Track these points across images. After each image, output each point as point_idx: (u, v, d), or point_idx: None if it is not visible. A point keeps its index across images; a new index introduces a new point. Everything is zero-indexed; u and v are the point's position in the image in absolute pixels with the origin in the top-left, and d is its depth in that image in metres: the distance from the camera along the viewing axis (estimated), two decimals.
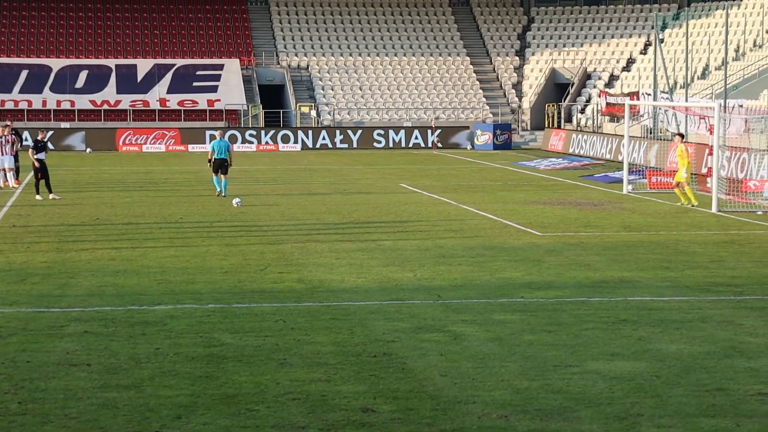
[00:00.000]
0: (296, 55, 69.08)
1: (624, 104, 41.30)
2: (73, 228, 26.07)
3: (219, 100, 63.52)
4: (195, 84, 64.81)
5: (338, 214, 29.11)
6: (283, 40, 70.31)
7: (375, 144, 60.94)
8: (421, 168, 46.71)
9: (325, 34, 71.14)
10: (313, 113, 63.89)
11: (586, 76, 66.58)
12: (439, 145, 61.00)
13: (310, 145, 60.36)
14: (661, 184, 35.62)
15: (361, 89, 66.87)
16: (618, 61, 66.48)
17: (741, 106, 44.54)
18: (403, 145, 61.05)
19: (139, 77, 64.92)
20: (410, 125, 62.70)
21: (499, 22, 72.79)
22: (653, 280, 18.91)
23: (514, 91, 67.54)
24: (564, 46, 69.27)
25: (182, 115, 62.73)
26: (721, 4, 61.46)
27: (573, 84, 65.59)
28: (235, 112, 63.37)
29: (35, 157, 33.06)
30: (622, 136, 42.90)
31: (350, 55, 69.46)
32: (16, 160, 37.60)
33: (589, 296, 17.44)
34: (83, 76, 64.58)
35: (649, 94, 53.25)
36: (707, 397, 11.58)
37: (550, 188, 37.06)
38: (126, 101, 63.02)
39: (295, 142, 60.17)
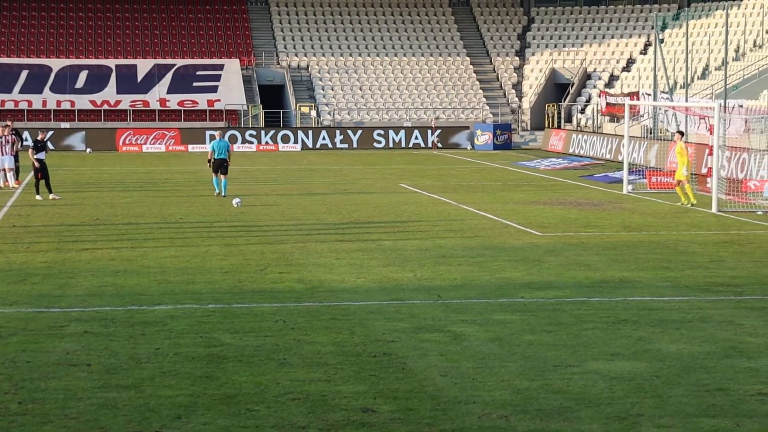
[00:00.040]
0: (296, 55, 69.09)
1: (624, 104, 41.30)
2: (73, 228, 26.07)
3: (219, 100, 63.52)
4: (195, 84, 64.82)
5: (338, 214, 29.11)
6: (283, 40, 70.31)
7: (375, 144, 60.95)
8: (421, 168, 46.71)
9: (325, 34, 71.14)
10: (313, 113, 63.89)
11: (586, 76, 66.58)
12: (439, 145, 61.01)
13: (310, 145, 60.37)
14: (661, 184, 35.62)
15: (361, 89, 66.87)
16: (618, 61, 66.48)
17: (741, 106, 44.54)
18: (403, 145, 61.05)
19: (139, 77, 64.92)
20: (410, 125, 62.71)
21: (499, 22, 72.79)
22: (653, 280, 18.91)
23: (514, 91, 67.54)
24: (564, 46, 69.27)
25: (182, 115, 62.73)
26: (721, 5, 61.46)
27: (573, 84, 65.59)
28: (235, 112, 63.37)
29: (35, 157, 33.06)
30: (622, 136, 42.91)
31: (350, 55, 69.46)
32: (17, 160, 37.61)
33: (589, 296, 17.44)
34: (83, 76, 64.59)
35: (649, 94, 53.25)
36: (707, 397, 11.58)
37: (550, 188, 37.06)
38: (126, 101, 63.02)
39: (295, 142, 60.17)
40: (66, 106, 62.49)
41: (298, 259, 21.11)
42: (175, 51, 68.45)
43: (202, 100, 63.53)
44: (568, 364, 12.98)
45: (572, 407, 11.22)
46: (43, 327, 15.06)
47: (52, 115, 61.87)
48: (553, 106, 63.83)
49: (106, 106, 62.68)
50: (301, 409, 11.15)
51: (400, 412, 11.06)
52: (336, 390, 11.85)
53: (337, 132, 61.14)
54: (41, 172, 32.95)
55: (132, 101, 63.08)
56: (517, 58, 69.82)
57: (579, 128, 60.92)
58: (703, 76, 56.97)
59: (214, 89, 64.42)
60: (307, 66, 68.39)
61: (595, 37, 69.41)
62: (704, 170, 38.87)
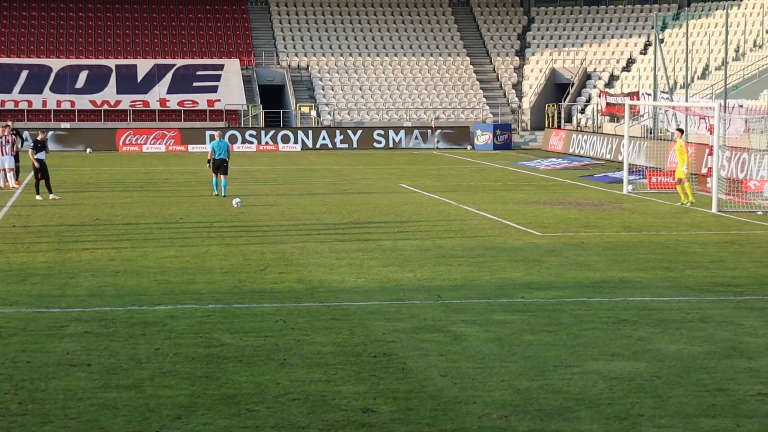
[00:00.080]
0: (296, 55, 69.09)
1: (624, 104, 41.30)
2: (73, 228, 26.07)
3: (219, 101, 63.53)
4: (195, 84, 64.83)
5: (338, 214, 29.11)
6: (283, 40, 70.32)
7: (375, 144, 60.95)
8: (421, 168, 46.71)
9: (325, 34, 71.15)
10: (313, 113, 63.90)
11: (586, 76, 66.59)
12: (439, 145, 60.99)
13: (310, 146, 60.37)
14: (661, 185, 35.63)
15: (361, 89, 66.87)
16: (618, 61, 66.49)
17: (741, 106, 44.54)
18: (403, 145, 61.04)
19: (139, 77, 64.93)
20: (410, 125, 62.71)
21: (499, 22, 72.79)
22: (653, 281, 18.91)
23: (514, 91, 67.55)
24: (564, 46, 69.27)
25: (182, 116, 62.74)
26: (721, 4, 61.46)
27: (573, 84, 65.59)
28: (235, 112, 63.38)
29: (35, 157, 33.07)
30: (622, 136, 42.91)
31: (350, 55, 69.47)
32: (17, 160, 37.62)
33: (589, 296, 17.44)
34: (83, 76, 64.59)
35: (649, 94, 53.25)
36: (707, 398, 11.58)
37: (550, 188, 37.06)
38: (126, 101, 63.03)
39: (295, 142, 60.18)
40: (66, 106, 62.49)
41: (298, 260, 21.11)
42: (175, 51, 68.45)
43: (202, 100, 63.54)
44: (568, 365, 12.97)
45: (572, 407, 11.22)
46: (43, 327, 15.06)
47: (52, 116, 61.87)
48: (553, 106, 63.83)
49: (106, 107, 62.68)
50: (301, 410, 11.15)
51: (400, 413, 11.06)
52: (336, 390, 11.85)
53: (337, 132, 61.15)
54: (41, 172, 32.95)
55: (132, 101, 63.09)
56: (517, 58, 69.83)
57: (579, 128, 60.92)
58: (703, 76, 56.97)
59: (214, 89, 64.43)
60: (307, 66, 68.39)
61: (595, 37, 69.41)
62: (704, 170, 38.87)
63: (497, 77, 69.00)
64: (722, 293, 17.77)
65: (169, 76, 65.07)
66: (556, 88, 66.35)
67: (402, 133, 61.34)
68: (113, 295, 17.49)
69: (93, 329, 14.93)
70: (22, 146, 39.78)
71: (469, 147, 60.79)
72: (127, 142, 58.71)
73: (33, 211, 29.75)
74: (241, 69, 66.43)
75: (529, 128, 65.01)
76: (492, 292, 17.76)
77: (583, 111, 63.48)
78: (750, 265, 20.61)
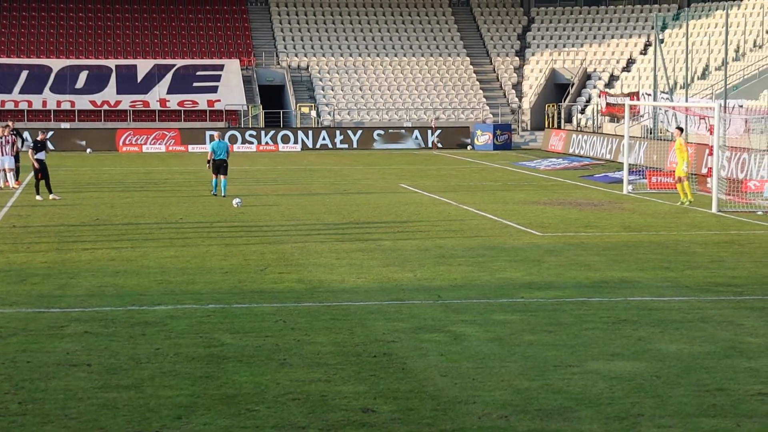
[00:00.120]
0: (296, 55, 69.10)
1: (624, 104, 41.30)
2: (73, 228, 26.07)
3: (219, 101, 63.53)
4: (195, 84, 64.83)
5: (338, 214, 29.11)
6: (283, 40, 70.32)
7: (375, 144, 60.94)
8: (421, 168, 46.71)
9: (325, 34, 71.15)
10: (313, 113, 63.90)
11: (586, 77, 66.59)
12: (439, 145, 61.01)
13: (310, 146, 60.37)
14: (661, 185, 35.63)
15: (361, 89, 66.88)
16: (618, 62, 66.49)
17: (741, 106, 44.54)
18: (399, 146, 61.02)
19: (139, 78, 64.94)
20: (410, 125, 62.71)
21: (499, 23, 72.80)
22: (653, 281, 18.91)
23: (514, 91, 67.56)
24: (564, 46, 69.28)
25: (182, 116, 62.74)
26: (721, 5, 61.46)
27: (573, 84, 65.59)
28: (235, 112, 63.38)
29: (35, 157, 33.07)
30: (622, 136, 42.91)
31: (350, 55, 69.47)
32: (17, 160, 37.63)
33: (589, 296, 17.44)
34: (83, 76, 64.60)
35: (649, 95, 53.25)
36: (707, 397, 11.58)
37: (550, 188, 37.06)
38: (126, 102, 63.04)
39: (295, 142, 60.18)
40: (66, 106, 62.50)
41: (298, 260, 21.11)
42: (175, 51, 68.46)
43: (202, 101, 63.54)
44: (568, 364, 12.97)
45: (572, 407, 11.22)
46: (43, 327, 15.06)
47: (52, 116, 61.88)
48: (553, 106, 63.83)
49: (106, 107, 62.69)
50: (301, 410, 11.15)
51: (400, 413, 11.06)
52: (336, 390, 11.85)
53: (337, 132, 61.16)
54: (41, 172, 32.96)
55: (132, 101, 63.10)
56: (517, 58, 69.83)
57: (579, 128, 60.93)
58: (703, 76, 56.97)
59: (214, 89, 64.43)
60: (307, 66, 68.39)
61: (595, 37, 69.42)
62: (704, 170, 38.87)
63: (497, 77, 69.01)
64: (722, 293, 17.77)
65: (169, 77, 65.08)
66: (556, 89, 66.35)
67: (402, 133, 61.34)
68: (113, 295, 17.49)
69: (93, 329, 14.93)
70: (22, 146, 39.78)
71: (469, 147, 60.79)
72: (127, 142, 58.71)
73: (33, 211, 29.75)
74: (241, 69, 66.43)
75: (529, 128, 65.01)
76: (492, 292, 17.75)
77: (583, 111, 63.48)
78: (750, 265, 20.61)
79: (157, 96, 63.54)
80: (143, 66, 65.84)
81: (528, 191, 35.86)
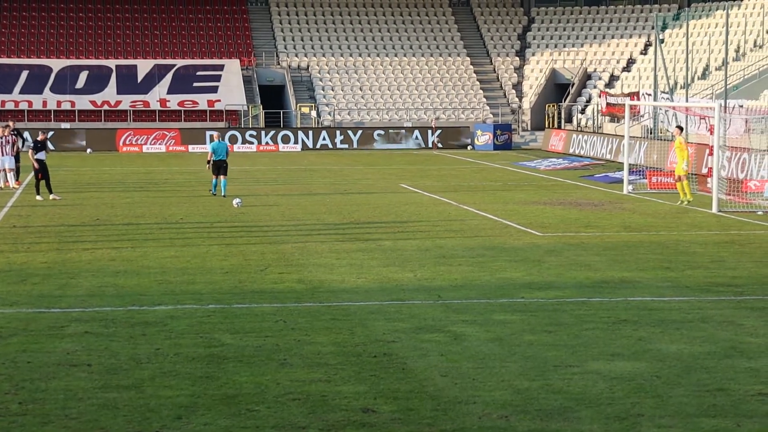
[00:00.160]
0: (296, 55, 69.10)
1: (624, 104, 41.30)
2: (73, 228, 26.07)
3: (219, 101, 63.54)
4: (195, 84, 64.83)
5: (338, 214, 29.11)
6: (284, 40, 70.32)
7: (375, 144, 60.95)
8: (421, 168, 46.72)
9: (326, 34, 71.15)
10: (314, 114, 63.91)
11: (587, 77, 66.59)
12: (440, 145, 61.02)
13: (311, 146, 60.38)
14: (661, 185, 35.63)
15: (361, 90, 66.88)
16: (618, 62, 66.49)
17: (741, 106, 44.55)
18: (402, 145, 61.04)
19: (140, 78, 64.94)
20: (410, 125, 62.72)
21: (499, 23, 72.80)
22: (654, 281, 18.91)
23: (514, 91, 67.56)
24: (564, 46, 69.28)
25: (182, 116, 62.75)
26: (721, 5, 61.46)
27: (573, 84, 65.59)
28: (236, 112, 63.39)
29: (35, 157, 33.07)
30: (623, 136, 42.91)
31: (350, 55, 69.48)
32: (17, 160, 37.63)
33: (589, 296, 17.44)
34: (83, 76, 64.60)
35: (649, 95, 53.25)
36: (708, 398, 11.59)
37: (551, 188, 37.06)
38: (126, 102, 63.04)
39: (296, 142, 60.19)
40: (66, 106, 62.50)
41: (299, 260, 21.11)
42: (175, 51, 68.46)
43: (202, 101, 63.54)
44: (569, 365, 12.98)
45: (572, 407, 11.22)
46: (43, 327, 15.06)
47: (52, 116, 61.88)
48: (553, 106, 63.83)
49: (106, 107, 62.69)
50: (301, 410, 11.15)
51: (401, 413, 11.06)
52: (336, 390, 11.85)
53: (338, 132, 61.16)
54: (41, 172, 32.95)
55: (132, 101, 63.10)
56: (517, 58, 69.83)
57: (579, 128, 60.93)
58: (704, 76, 56.97)
59: (214, 89, 64.43)
60: (308, 66, 68.40)
61: (595, 37, 69.42)
62: (705, 170, 38.87)
63: (497, 77, 69.01)
64: (722, 293, 17.77)
65: (169, 77, 65.08)
66: (557, 89, 66.35)
67: (402, 133, 61.38)
68: (113, 295, 17.49)
69: (93, 329, 14.94)
70: (23, 146, 39.79)
71: (469, 147, 60.78)
72: (127, 142, 58.71)
73: (33, 211, 29.76)
74: (242, 69, 66.44)
75: (529, 128, 65.01)
76: (492, 292, 17.76)
77: (583, 111, 63.48)
78: (750, 265, 20.61)
79: (157, 96, 63.55)
80: (143, 66, 65.84)
81: (528, 191, 35.86)
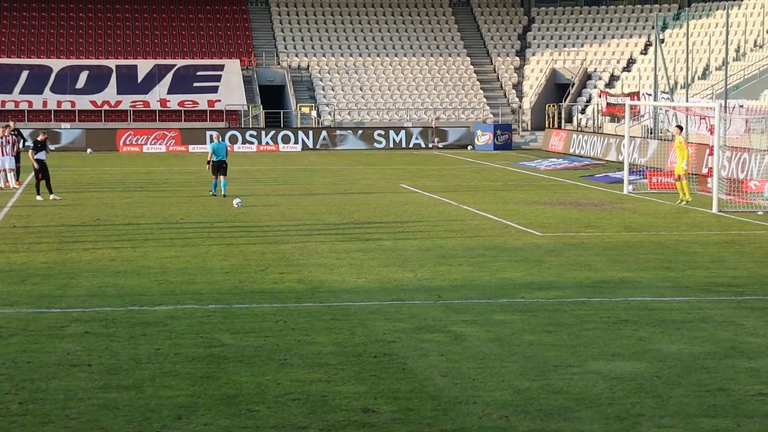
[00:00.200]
0: (297, 55, 69.10)
1: (624, 104, 41.29)
2: (73, 228, 26.07)
3: (219, 101, 63.53)
4: (195, 84, 64.82)
5: (339, 214, 29.11)
6: (284, 40, 70.32)
7: (375, 144, 60.95)
8: (421, 168, 46.72)
9: (326, 34, 71.15)
10: (314, 114, 63.90)
11: (587, 77, 66.59)
12: (440, 145, 61.01)
13: (311, 146, 60.37)
14: (661, 185, 35.63)
15: (361, 90, 66.88)
16: (618, 62, 66.48)
17: (741, 106, 44.55)
18: (404, 145, 61.06)
19: (140, 78, 64.93)
20: (411, 125, 62.72)
21: (499, 23, 72.79)
22: (654, 281, 18.91)
23: (514, 91, 67.55)
24: (564, 46, 69.27)
25: (183, 116, 62.74)
26: (721, 5, 61.45)
27: (573, 84, 65.59)
28: (236, 112, 63.38)
29: (35, 157, 33.08)
30: (623, 136, 42.90)
31: (350, 55, 69.47)
32: (17, 160, 37.64)
33: (589, 296, 17.44)
34: (84, 76, 64.60)
35: (649, 95, 53.25)
36: (708, 398, 11.59)
37: (551, 188, 37.06)
38: (126, 102, 63.03)
39: (296, 142, 60.19)
40: (66, 106, 62.50)
41: (299, 260, 21.11)
42: (175, 51, 68.45)
43: (202, 101, 63.54)
44: (569, 365, 12.98)
45: (573, 407, 11.22)
46: (43, 327, 15.06)
47: (52, 116, 61.88)
48: (553, 106, 63.83)
49: (106, 107, 62.69)
50: (301, 410, 11.15)
51: (401, 413, 11.06)
52: (336, 390, 11.85)
53: (338, 132, 61.14)
54: (42, 172, 32.96)
55: (132, 102, 63.10)
56: (517, 58, 69.82)
57: (579, 128, 60.93)
58: (704, 76, 56.97)
59: (214, 89, 64.43)
60: (308, 66, 68.39)
61: (595, 37, 69.41)
62: (705, 170, 38.87)
63: (498, 77, 69.00)
64: (723, 293, 17.77)
65: (169, 77, 65.07)
66: (557, 89, 66.34)
67: (402, 133, 61.38)
68: (114, 295, 17.49)
69: (93, 329, 14.94)
70: (23, 146, 39.80)
71: (469, 147, 60.78)
72: (127, 142, 58.71)
73: (33, 211, 29.76)
74: (242, 69, 66.43)
75: (529, 128, 65.01)
76: (492, 292, 17.76)
77: (583, 111, 63.48)
78: (750, 265, 20.61)
79: (157, 96, 63.55)
80: (143, 66, 65.84)
81: (528, 191, 35.86)
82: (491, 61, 70.14)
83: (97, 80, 64.35)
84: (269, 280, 18.87)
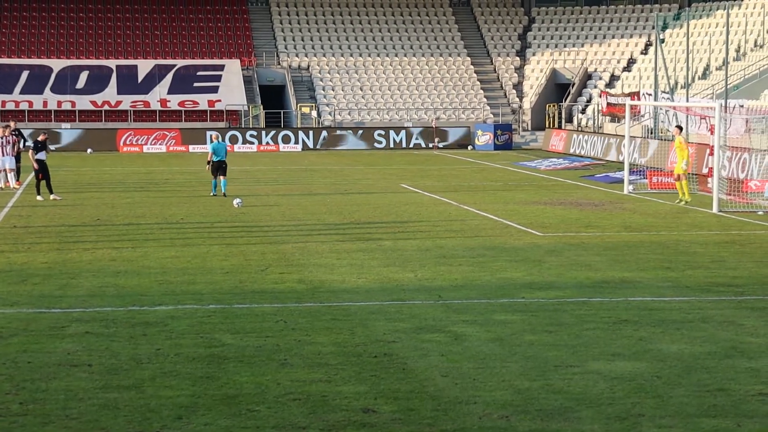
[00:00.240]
0: (297, 55, 69.10)
1: (625, 104, 41.29)
2: (73, 228, 26.07)
3: (220, 101, 63.54)
4: (196, 84, 64.83)
5: (339, 214, 29.11)
6: (284, 40, 70.32)
7: (375, 144, 60.96)
8: (421, 168, 46.72)
9: (326, 34, 71.15)
10: (314, 114, 63.90)
11: (587, 77, 66.58)
12: (440, 145, 61.01)
13: (311, 146, 60.37)
14: (661, 185, 35.63)
15: (361, 90, 66.88)
16: (619, 61, 66.48)
17: (742, 106, 44.55)
18: (404, 145, 61.05)
19: (140, 78, 64.94)
20: (411, 125, 62.72)
21: (499, 23, 72.80)
22: (654, 281, 18.91)
23: (514, 91, 67.55)
24: (565, 46, 69.27)
25: (183, 116, 62.75)
26: (721, 4, 61.45)
27: (574, 84, 65.59)
28: (236, 112, 63.39)
29: (35, 157, 33.08)
30: (623, 136, 42.89)
31: (351, 55, 69.48)
32: (18, 161, 37.64)
33: (589, 296, 17.44)
34: (84, 76, 64.61)
35: (650, 94, 53.25)
36: (708, 398, 11.59)
37: (551, 188, 37.06)
38: (127, 102, 63.05)
39: (296, 142, 60.19)
40: (67, 106, 62.51)
41: (299, 260, 21.11)
42: (175, 51, 68.46)
43: (202, 101, 63.55)
44: (569, 365, 12.98)
45: (573, 407, 11.22)
46: (44, 327, 15.06)
47: (52, 116, 61.88)
48: (553, 106, 63.83)
49: (106, 107, 62.70)
50: (301, 410, 11.15)
51: (401, 413, 11.06)
52: (337, 390, 11.85)
53: (338, 132, 61.14)
54: (42, 172, 32.96)
55: (133, 102, 63.10)
56: (517, 58, 69.82)
57: (580, 128, 60.93)
58: (704, 76, 56.97)
59: (214, 90, 64.44)
60: (308, 66, 68.40)
61: (595, 37, 69.41)
62: (705, 170, 38.86)
63: (498, 77, 69.01)
64: (723, 293, 17.77)
65: (169, 77, 65.08)
66: (557, 88, 66.35)
67: (402, 133, 61.41)
68: (114, 295, 17.50)
69: (94, 329, 14.94)
70: (23, 146, 39.81)
71: (469, 147, 60.78)
72: (127, 142, 58.72)
73: (34, 211, 29.76)
74: (242, 69, 66.43)
75: (529, 128, 65.01)
76: (493, 292, 17.76)
77: (583, 111, 63.48)
78: (751, 265, 20.61)
79: (157, 96, 63.55)
80: (144, 66, 65.84)
81: (529, 191, 35.86)
82: (491, 61, 70.14)
83: (98, 80, 64.36)
84: (269, 280, 18.87)
